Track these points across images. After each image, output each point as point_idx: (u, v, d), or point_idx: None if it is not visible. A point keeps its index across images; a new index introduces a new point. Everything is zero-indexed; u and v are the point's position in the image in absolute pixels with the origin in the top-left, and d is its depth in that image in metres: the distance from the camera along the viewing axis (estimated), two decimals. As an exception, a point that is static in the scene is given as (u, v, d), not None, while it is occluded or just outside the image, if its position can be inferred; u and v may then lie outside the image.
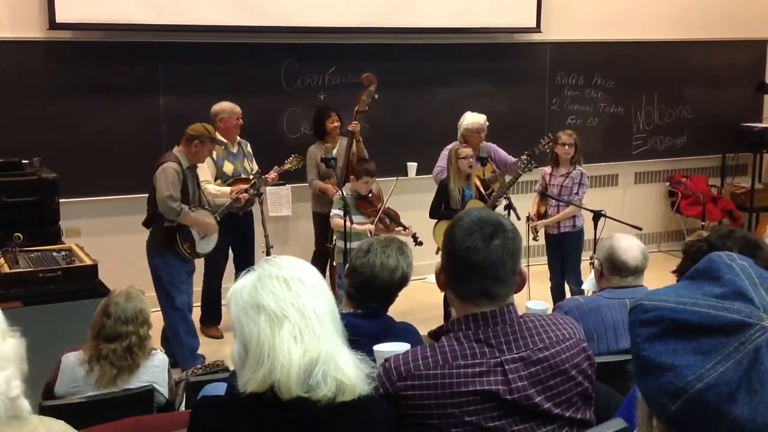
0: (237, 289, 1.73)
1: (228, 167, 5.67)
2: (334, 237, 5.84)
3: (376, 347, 2.27)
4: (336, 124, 6.06)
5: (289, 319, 1.65)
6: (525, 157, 5.75)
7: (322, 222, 6.19)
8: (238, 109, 5.70)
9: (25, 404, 1.53)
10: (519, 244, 1.88)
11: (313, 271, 1.78)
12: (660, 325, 0.89)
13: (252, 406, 1.63)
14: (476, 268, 1.84)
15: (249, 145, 5.89)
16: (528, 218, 5.77)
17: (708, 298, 0.89)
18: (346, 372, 1.68)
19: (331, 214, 5.60)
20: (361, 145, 6.10)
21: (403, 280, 2.68)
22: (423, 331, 2.78)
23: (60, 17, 5.67)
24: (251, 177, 5.65)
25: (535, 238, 5.77)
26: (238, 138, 5.79)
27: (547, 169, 5.87)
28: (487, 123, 6.01)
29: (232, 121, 5.64)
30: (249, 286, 1.70)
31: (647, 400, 0.90)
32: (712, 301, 0.88)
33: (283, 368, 1.61)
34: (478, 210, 1.94)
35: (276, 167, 5.74)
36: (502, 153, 6.12)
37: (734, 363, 0.84)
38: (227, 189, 5.52)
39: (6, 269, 4.21)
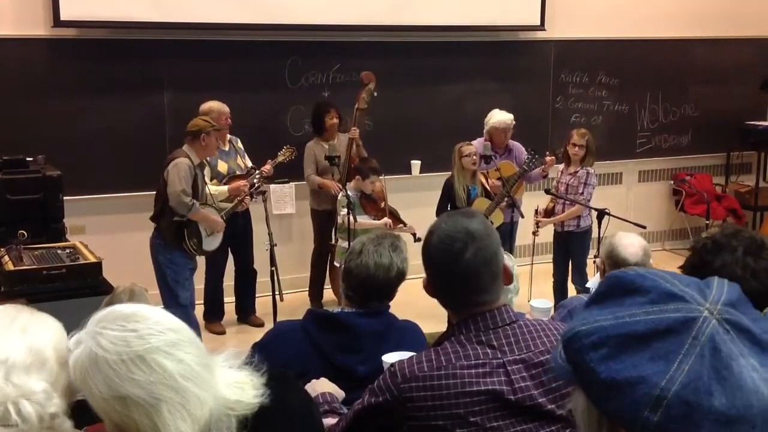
0: (83, 372, 1.44)
1: (222, 166, 5.68)
2: (338, 236, 5.84)
3: (385, 357, 2.26)
4: (335, 120, 6.07)
5: (164, 400, 1.42)
6: (528, 156, 5.78)
7: (320, 219, 6.21)
8: (226, 108, 5.67)
9: (65, 428, 1.47)
10: (494, 247, 1.87)
11: (167, 322, 1.51)
12: (608, 343, 0.88)
13: None
14: (454, 284, 1.87)
15: (239, 141, 5.89)
16: (536, 212, 5.81)
17: (640, 306, 0.89)
18: (243, 399, 1.50)
19: (340, 214, 5.61)
20: (361, 148, 6.12)
21: (399, 276, 2.64)
22: (426, 329, 2.78)
23: (64, 15, 5.67)
24: (248, 173, 5.67)
25: (534, 233, 5.82)
26: (228, 136, 5.79)
27: (561, 167, 5.90)
28: (514, 122, 6.01)
29: (221, 121, 5.58)
30: (98, 373, 1.43)
31: (621, 421, 0.87)
32: (647, 308, 0.88)
33: None
34: (446, 223, 1.90)
35: (270, 160, 5.75)
36: (525, 155, 6.11)
37: (697, 357, 0.84)
38: (224, 188, 5.54)
39: (10, 266, 4.21)
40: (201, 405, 1.45)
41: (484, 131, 6.01)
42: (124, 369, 1.41)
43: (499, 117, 5.98)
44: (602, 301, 0.93)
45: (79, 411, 1.61)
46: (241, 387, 1.52)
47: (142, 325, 1.46)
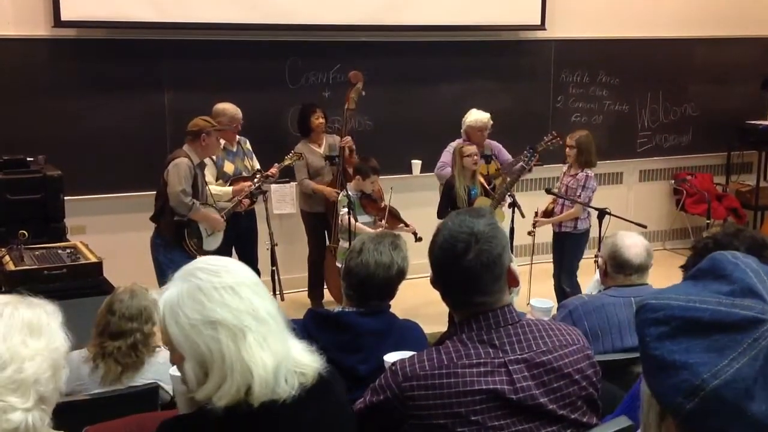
0: (173, 304, 1.62)
1: (228, 167, 5.66)
2: (339, 236, 5.84)
3: (386, 356, 2.26)
4: (321, 120, 6.04)
5: (250, 328, 1.58)
6: (527, 151, 5.76)
7: (311, 221, 6.18)
8: (239, 115, 5.63)
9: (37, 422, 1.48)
10: (498, 249, 1.86)
11: (248, 269, 1.74)
12: (671, 323, 0.88)
13: (224, 419, 1.57)
14: (454, 285, 1.88)
15: (248, 142, 5.86)
16: (536, 213, 5.81)
17: (717, 295, 0.89)
18: (303, 361, 1.66)
19: (340, 213, 5.60)
20: (354, 153, 6.09)
21: (400, 275, 2.64)
22: (427, 329, 2.77)
23: (65, 15, 5.67)
24: (253, 175, 5.65)
25: (529, 233, 5.82)
26: (237, 137, 5.76)
27: (565, 168, 5.92)
28: (492, 122, 6.01)
29: (230, 126, 5.58)
30: (190, 301, 1.61)
31: (660, 400, 0.89)
32: (722, 299, 0.88)
33: (261, 378, 1.55)
34: (452, 222, 1.90)
35: (276, 164, 5.74)
36: (506, 153, 6.12)
37: (750, 359, 0.83)
38: (229, 189, 5.52)
39: (11, 266, 4.22)
40: (279, 342, 1.60)
41: (462, 131, 6.00)
42: (216, 295, 1.59)
43: (476, 116, 5.97)
44: (697, 279, 0.94)
45: (81, 411, 1.62)
46: (306, 354, 1.68)
47: (230, 265, 1.69)
